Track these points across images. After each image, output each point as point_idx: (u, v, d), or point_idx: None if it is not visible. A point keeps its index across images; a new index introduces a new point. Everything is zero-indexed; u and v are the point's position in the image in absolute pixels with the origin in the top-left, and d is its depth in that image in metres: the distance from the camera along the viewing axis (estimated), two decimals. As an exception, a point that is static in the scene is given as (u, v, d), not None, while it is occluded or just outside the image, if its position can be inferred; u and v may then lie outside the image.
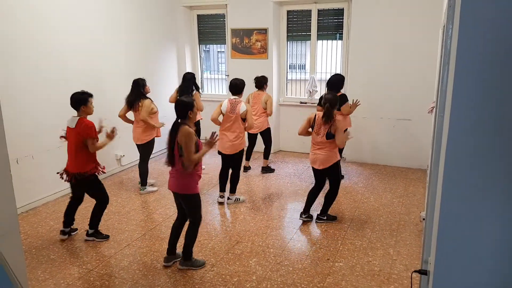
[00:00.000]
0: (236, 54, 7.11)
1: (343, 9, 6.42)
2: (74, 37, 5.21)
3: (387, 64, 6.04)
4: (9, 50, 4.43)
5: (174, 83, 7.37)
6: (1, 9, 4.31)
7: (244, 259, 3.70)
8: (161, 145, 5.72)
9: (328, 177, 4.35)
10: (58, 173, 3.93)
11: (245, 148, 5.08)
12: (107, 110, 5.06)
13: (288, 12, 6.85)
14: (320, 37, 6.72)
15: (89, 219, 4.06)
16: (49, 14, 4.85)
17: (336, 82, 5.16)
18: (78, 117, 3.80)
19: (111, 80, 5.85)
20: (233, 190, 4.95)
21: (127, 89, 5.10)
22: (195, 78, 5.87)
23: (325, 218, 4.42)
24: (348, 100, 5.22)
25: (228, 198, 4.96)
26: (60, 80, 5.04)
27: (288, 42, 7.03)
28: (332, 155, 4.18)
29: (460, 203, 1.20)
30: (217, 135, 3.47)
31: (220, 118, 4.81)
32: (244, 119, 4.73)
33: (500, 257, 1.19)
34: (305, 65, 7.21)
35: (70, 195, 4.10)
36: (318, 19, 6.63)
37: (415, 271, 1.63)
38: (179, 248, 3.65)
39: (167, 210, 4.80)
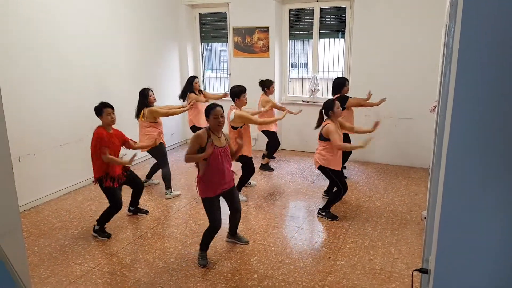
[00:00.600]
0: (238, 52, 7.10)
1: (345, 7, 6.40)
2: (76, 36, 5.22)
3: (389, 63, 6.03)
4: (12, 49, 4.44)
5: (176, 82, 7.38)
6: (5, 10, 4.33)
7: (245, 257, 3.71)
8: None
9: (327, 178, 4.52)
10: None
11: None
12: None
13: (290, 10, 6.84)
14: (322, 35, 6.71)
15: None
16: (51, 14, 4.86)
17: (335, 85, 5.43)
18: (97, 126, 4.00)
19: (113, 80, 5.85)
20: (238, 189, 4.95)
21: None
22: (190, 80, 6.07)
23: (323, 214, 4.49)
24: (347, 100, 5.24)
25: None
26: (62, 79, 5.05)
27: (290, 40, 7.02)
28: (325, 158, 4.32)
29: (461, 202, 1.20)
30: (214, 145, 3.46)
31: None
32: (234, 128, 4.69)
33: (501, 256, 1.19)
34: (307, 63, 7.20)
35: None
36: (320, 18, 6.62)
37: (416, 270, 1.63)
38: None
39: (169, 208, 4.81)
